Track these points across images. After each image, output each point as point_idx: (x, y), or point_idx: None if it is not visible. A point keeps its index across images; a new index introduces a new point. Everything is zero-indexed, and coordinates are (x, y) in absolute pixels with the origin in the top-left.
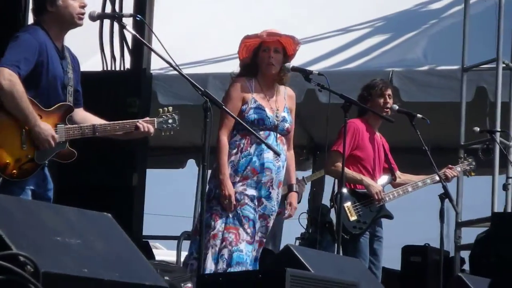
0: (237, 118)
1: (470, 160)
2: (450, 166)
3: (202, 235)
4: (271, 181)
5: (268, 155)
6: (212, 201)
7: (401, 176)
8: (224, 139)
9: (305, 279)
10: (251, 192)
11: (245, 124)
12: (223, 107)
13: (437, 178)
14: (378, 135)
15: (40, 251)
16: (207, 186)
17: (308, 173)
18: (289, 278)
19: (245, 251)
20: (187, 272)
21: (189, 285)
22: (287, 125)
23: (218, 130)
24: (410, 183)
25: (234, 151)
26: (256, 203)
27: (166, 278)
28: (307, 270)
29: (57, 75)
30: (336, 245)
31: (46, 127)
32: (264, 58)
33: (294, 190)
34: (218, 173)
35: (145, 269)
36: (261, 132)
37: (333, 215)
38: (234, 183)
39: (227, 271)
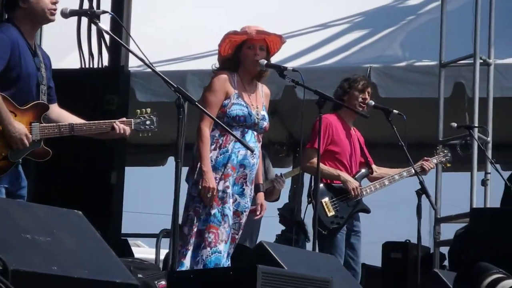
0: (209, 114)
1: (445, 151)
2: (426, 158)
3: (176, 232)
4: (245, 177)
5: (244, 152)
6: (195, 198)
7: (377, 170)
8: (206, 131)
9: (277, 276)
10: (231, 190)
11: (218, 121)
12: (196, 103)
13: (413, 171)
14: (353, 129)
15: (9, 249)
16: (189, 183)
17: (289, 170)
18: (260, 275)
19: (223, 252)
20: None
21: (163, 282)
22: (265, 123)
23: (200, 122)
24: (386, 176)
25: (212, 147)
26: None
27: (140, 275)
28: (280, 267)
29: (30, 73)
30: (310, 242)
31: (19, 126)
32: (249, 55)
33: (262, 190)
34: (201, 165)
35: (116, 266)
36: (240, 129)
37: (311, 211)
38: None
39: None
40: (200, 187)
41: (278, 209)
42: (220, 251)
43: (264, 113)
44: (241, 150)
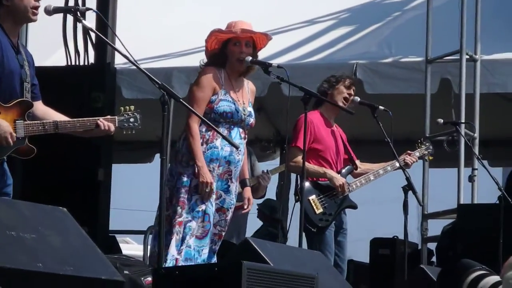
0: (194, 110)
1: (427, 144)
2: (408, 152)
3: (162, 228)
4: (230, 173)
5: (229, 148)
6: (181, 190)
7: (361, 166)
8: (196, 126)
9: (262, 272)
10: (214, 185)
11: (202, 118)
12: (181, 100)
13: (397, 164)
14: (335, 126)
15: None
16: (172, 175)
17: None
18: (245, 271)
19: (193, 247)
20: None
21: (149, 279)
22: (252, 120)
23: (188, 118)
24: (371, 171)
25: (200, 141)
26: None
27: (126, 272)
28: (266, 263)
29: (13, 70)
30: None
31: (3, 124)
32: (234, 52)
33: (248, 184)
34: (194, 161)
35: (101, 263)
36: (226, 126)
37: (298, 208)
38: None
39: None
40: (187, 179)
41: (258, 204)
42: (190, 245)
43: (250, 109)
44: (226, 146)
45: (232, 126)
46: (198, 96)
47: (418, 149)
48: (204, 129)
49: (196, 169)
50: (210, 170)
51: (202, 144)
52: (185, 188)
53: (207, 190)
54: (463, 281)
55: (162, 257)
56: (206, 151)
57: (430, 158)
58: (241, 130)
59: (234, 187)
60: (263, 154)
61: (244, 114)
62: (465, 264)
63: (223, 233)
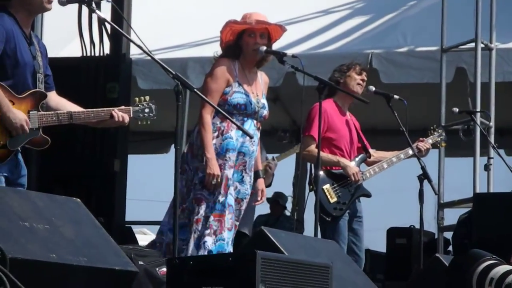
0: (208, 100)
1: (440, 131)
2: (421, 139)
3: (176, 219)
4: (245, 164)
5: (243, 139)
6: (197, 185)
7: (374, 154)
8: (208, 118)
9: (277, 262)
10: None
11: (217, 107)
12: (195, 90)
13: (410, 152)
14: (348, 114)
15: (7, 237)
16: (189, 169)
17: (292, 157)
18: (260, 261)
19: (226, 240)
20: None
21: (164, 269)
22: (265, 112)
23: (201, 109)
24: (384, 159)
25: (215, 134)
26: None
27: (141, 262)
28: (281, 253)
29: (26, 62)
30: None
31: (18, 112)
32: (249, 44)
33: (261, 176)
34: (203, 152)
35: (115, 254)
36: (240, 118)
37: (312, 197)
38: (219, 166)
39: None
40: (202, 174)
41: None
42: (224, 238)
43: (264, 101)
44: (241, 137)
45: (246, 118)
46: (211, 87)
47: (431, 136)
48: (218, 121)
49: (204, 160)
50: (226, 160)
51: (217, 136)
52: (202, 184)
53: (213, 182)
54: (473, 271)
55: (176, 246)
56: (222, 142)
57: (444, 144)
58: (254, 122)
59: (249, 178)
60: (280, 145)
61: (257, 106)
62: (476, 254)
63: (237, 223)
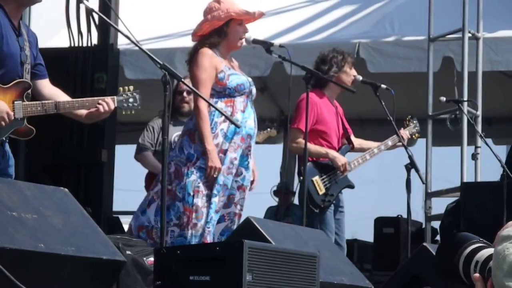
0: (197, 91)
1: (415, 122)
2: (400, 129)
3: (164, 208)
4: (249, 148)
5: (250, 122)
6: (193, 168)
7: (353, 141)
8: (205, 109)
9: (264, 251)
10: (237, 161)
11: (204, 97)
12: (182, 80)
13: (390, 143)
14: (334, 104)
15: None
16: (186, 151)
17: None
18: (247, 250)
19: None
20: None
21: (152, 259)
22: (254, 89)
23: (196, 101)
24: (367, 151)
25: (222, 118)
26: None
27: (128, 252)
28: (268, 242)
29: (13, 53)
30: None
31: (0, 103)
32: (239, 32)
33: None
34: (204, 143)
35: (103, 243)
36: (241, 99)
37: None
38: (226, 150)
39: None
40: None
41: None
42: (186, 236)
43: (250, 79)
44: (248, 120)
45: (245, 99)
46: (202, 77)
47: (408, 128)
48: (223, 105)
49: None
50: (232, 144)
51: (224, 120)
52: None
53: (215, 176)
54: (460, 255)
55: (164, 236)
56: (230, 126)
57: (417, 135)
58: (250, 102)
59: (251, 163)
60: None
61: (250, 84)
62: (463, 237)
63: (242, 213)
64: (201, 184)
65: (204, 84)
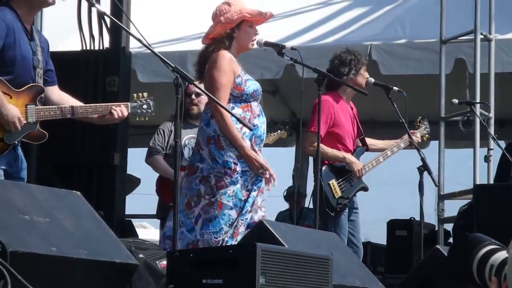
0: (209, 94)
1: (425, 123)
2: (411, 131)
3: (176, 212)
4: (261, 151)
5: (264, 127)
6: (235, 174)
7: (366, 142)
8: (226, 112)
9: (277, 254)
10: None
11: (218, 101)
12: (194, 82)
13: (403, 145)
14: (349, 106)
15: (7, 230)
16: (220, 160)
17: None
18: (260, 253)
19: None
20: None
21: (164, 262)
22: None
23: (215, 105)
24: (381, 154)
25: (240, 124)
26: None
27: (141, 255)
28: (281, 245)
29: (25, 57)
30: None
31: (12, 109)
32: (250, 34)
33: None
34: (238, 145)
35: (115, 246)
36: (255, 103)
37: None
38: None
39: None
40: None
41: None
42: None
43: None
44: (263, 125)
45: (258, 104)
46: (222, 81)
47: (419, 129)
48: (241, 111)
49: (241, 154)
50: (255, 151)
51: (242, 126)
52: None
53: (263, 172)
54: (473, 257)
55: (177, 239)
56: (250, 132)
57: (427, 137)
58: (260, 107)
59: None
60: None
61: (260, 88)
62: (476, 239)
63: (265, 214)
64: (249, 187)
65: (224, 88)
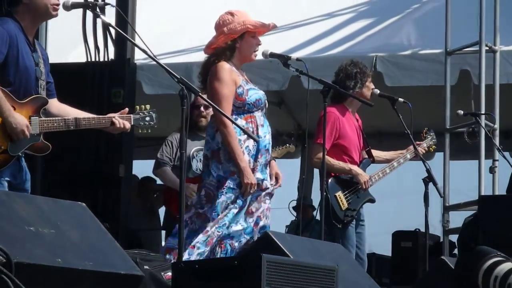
0: (214, 105)
1: (432, 134)
2: (417, 142)
3: (182, 223)
4: (267, 161)
5: (268, 136)
6: (222, 189)
7: (372, 154)
8: (230, 124)
9: (282, 265)
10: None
11: (222, 112)
12: (199, 94)
13: (409, 156)
14: (355, 118)
15: (12, 241)
16: (215, 174)
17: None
18: (265, 264)
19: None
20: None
21: (169, 273)
22: (266, 102)
23: (220, 115)
24: (387, 165)
25: (245, 136)
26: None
27: (146, 267)
28: (286, 256)
29: (28, 68)
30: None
31: (19, 117)
32: (252, 45)
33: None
34: (236, 161)
35: (120, 258)
36: (259, 113)
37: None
38: (252, 170)
39: None
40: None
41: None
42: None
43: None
44: (267, 134)
45: (262, 113)
46: (223, 93)
47: (425, 140)
48: (244, 122)
49: (238, 169)
50: (258, 161)
51: (248, 138)
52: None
53: (251, 192)
54: (479, 269)
55: (182, 251)
56: (254, 144)
57: (434, 147)
58: (265, 115)
59: (268, 170)
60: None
61: (265, 97)
62: (481, 251)
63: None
64: (230, 204)
65: (227, 99)
